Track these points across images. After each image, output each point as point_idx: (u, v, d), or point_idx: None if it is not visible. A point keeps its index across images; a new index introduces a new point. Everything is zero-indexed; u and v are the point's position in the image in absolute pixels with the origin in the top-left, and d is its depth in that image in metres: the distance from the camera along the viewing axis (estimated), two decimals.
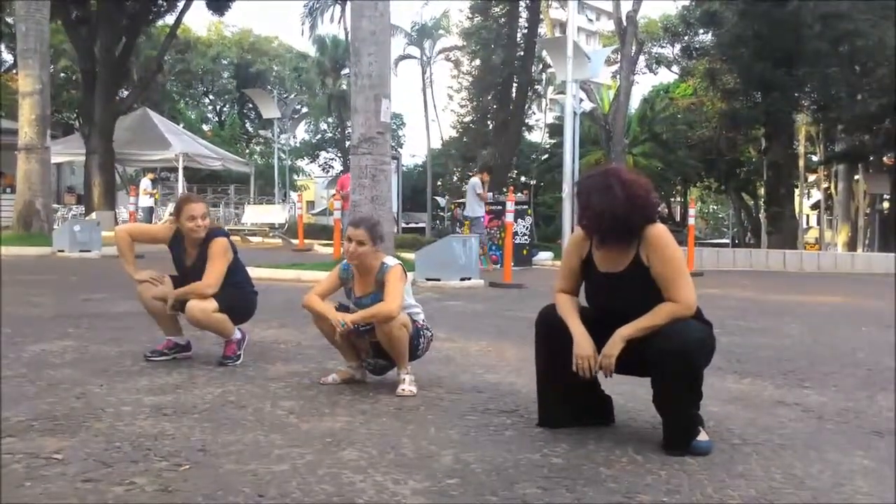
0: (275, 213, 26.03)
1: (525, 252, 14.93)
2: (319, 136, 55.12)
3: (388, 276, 4.00)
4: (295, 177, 48.95)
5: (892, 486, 2.78)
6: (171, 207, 23.39)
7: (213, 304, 4.52)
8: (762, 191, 35.77)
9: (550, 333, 3.31)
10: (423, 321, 4.23)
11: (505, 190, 16.40)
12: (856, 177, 34.02)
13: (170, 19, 28.74)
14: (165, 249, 4.81)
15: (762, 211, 35.72)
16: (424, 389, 4.06)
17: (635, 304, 3.13)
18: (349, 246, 4.04)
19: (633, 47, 26.31)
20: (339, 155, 50.51)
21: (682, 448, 3.05)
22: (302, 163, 55.62)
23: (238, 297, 4.69)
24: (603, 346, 3.15)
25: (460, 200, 19.47)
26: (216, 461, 2.84)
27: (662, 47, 39.33)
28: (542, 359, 3.39)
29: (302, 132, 52.37)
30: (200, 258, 4.63)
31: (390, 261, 4.11)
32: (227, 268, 4.60)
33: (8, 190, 23.35)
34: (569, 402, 3.33)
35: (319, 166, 57.51)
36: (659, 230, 3.19)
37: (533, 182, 37.92)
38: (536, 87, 41.69)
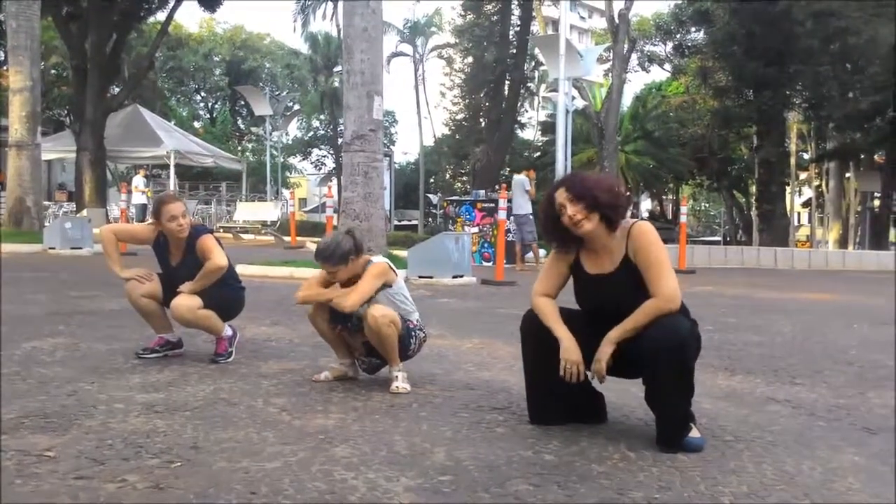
0: (267, 211, 26.01)
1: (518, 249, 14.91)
2: (311, 133, 55.08)
3: (366, 271, 4.00)
4: (287, 174, 48.88)
5: (885, 483, 2.79)
6: None
7: (197, 301, 4.50)
8: (754, 188, 35.88)
9: (536, 335, 3.31)
10: (418, 321, 4.22)
11: (497, 188, 16.39)
12: (847, 175, 34.16)
13: (161, 16, 28.64)
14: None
15: (754, 209, 35.81)
16: (417, 387, 4.06)
17: (626, 303, 3.14)
18: (332, 279, 4.05)
19: (626, 45, 26.36)
20: (332, 152, 50.44)
21: (674, 444, 3.06)
22: (294, 160, 55.55)
23: (226, 293, 4.68)
24: (594, 347, 3.16)
25: (452, 198, 19.42)
26: (208, 458, 2.84)
27: (654, 45, 39.40)
28: (529, 362, 3.39)
29: (294, 129, 52.40)
30: (186, 257, 4.62)
31: (376, 258, 4.10)
32: None
33: None
34: (559, 400, 3.34)
35: (312, 163, 57.57)
36: (644, 226, 3.24)
37: None
38: (529, 84, 41.72)
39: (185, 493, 2.49)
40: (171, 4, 26.97)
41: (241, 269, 8.40)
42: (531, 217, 13.55)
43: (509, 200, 13.64)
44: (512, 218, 13.98)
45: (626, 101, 39.72)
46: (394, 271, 4.10)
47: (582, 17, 62.47)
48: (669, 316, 3.07)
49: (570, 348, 3.17)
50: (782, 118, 30.83)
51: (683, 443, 3.07)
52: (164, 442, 3.02)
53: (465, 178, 48.37)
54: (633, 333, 3.10)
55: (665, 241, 3.37)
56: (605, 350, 3.13)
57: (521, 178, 14.25)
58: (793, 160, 36.88)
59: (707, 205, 64.78)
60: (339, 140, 35.45)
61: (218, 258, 4.51)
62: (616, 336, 3.13)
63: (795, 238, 39.74)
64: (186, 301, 4.48)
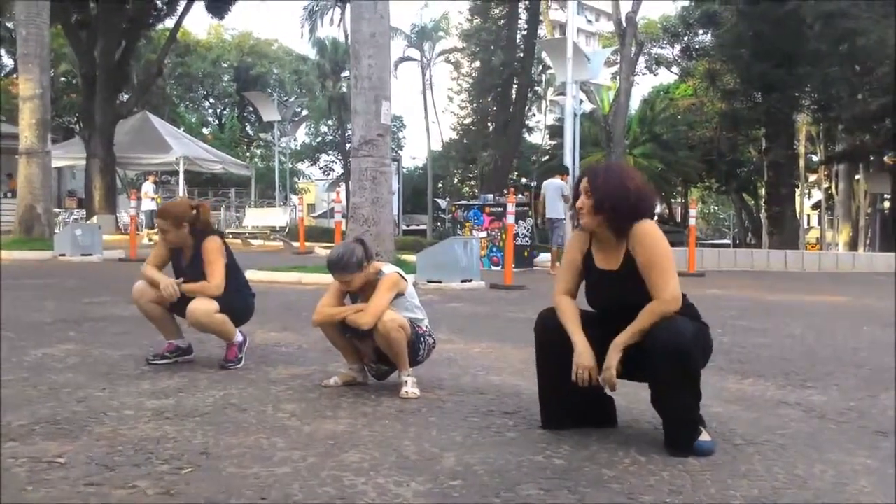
0: (276, 216, 26.08)
1: (526, 254, 14.92)
2: (320, 138, 55.19)
3: (379, 284, 4.00)
4: (295, 179, 49.00)
5: (894, 486, 2.77)
6: None
7: (214, 305, 4.51)
8: (763, 191, 35.81)
9: (550, 339, 3.30)
10: (427, 327, 4.21)
11: (505, 191, 16.40)
12: (856, 176, 34.03)
13: (169, 23, 28.81)
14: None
15: (763, 211, 35.73)
16: (426, 391, 4.05)
17: (632, 301, 3.13)
18: (346, 287, 4.05)
19: (633, 48, 26.34)
20: (340, 157, 50.57)
21: (681, 448, 3.05)
22: (302, 165, 55.71)
23: (235, 299, 4.68)
24: (602, 347, 3.15)
25: (461, 202, 19.43)
26: (218, 464, 2.84)
27: (662, 48, 39.38)
28: (542, 364, 3.38)
29: (302, 135, 52.53)
30: (194, 257, 4.64)
31: (387, 269, 4.10)
32: (225, 266, 4.59)
33: (9, 194, 23.41)
34: (571, 404, 3.33)
35: (320, 169, 57.69)
36: (647, 226, 3.19)
37: (534, 184, 37.92)
38: (536, 88, 41.74)
39: (195, 499, 2.49)
40: (179, 11, 27.12)
41: (249, 274, 8.41)
42: (564, 221, 13.61)
43: (520, 204, 13.66)
44: (547, 221, 14.10)
45: (634, 104, 39.72)
46: (404, 279, 4.10)
47: (589, 21, 62.49)
48: (671, 319, 3.06)
49: (583, 353, 3.15)
50: (791, 120, 30.77)
51: (693, 446, 3.06)
52: (174, 448, 3.03)
53: (473, 183, 48.38)
54: (637, 338, 3.09)
55: (674, 244, 3.37)
56: (613, 357, 3.11)
57: (557, 182, 14.32)
58: (802, 162, 36.79)
59: (716, 207, 64.66)
60: (348, 145, 35.56)
61: (211, 286, 4.50)
62: (622, 342, 3.11)
63: (805, 240, 39.63)
64: (203, 305, 4.49)
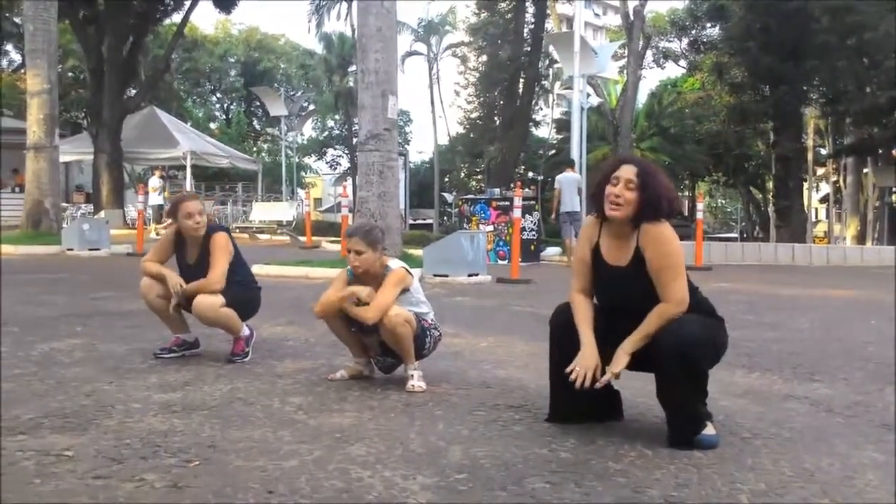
0: (282, 211, 26.07)
1: (533, 248, 14.92)
2: (326, 133, 55.16)
3: (386, 279, 4.00)
4: (302, 174, 49.01)
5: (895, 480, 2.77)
6: None
7: (220, 299, 4.52)
8: (771, 185, 35.67)
9: (565, 333, 3.29)
10: (433, 320, 4.21)
11: (512, 185, 16.38)
12: (864, 170, 33.88)
13: (177, 18, 28.80)
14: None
15: (771, 205, 35.61)
16: (432, 385, 4.06)
17: (639, 299, 3.12)
18: (350, 257, 4.04)
19: (641, 42, 26.28)
20: (347, 152, 50.54)
21: (684, 442, 3.05)
22: (309, 160, 55.72)
23: (242, 293, 4.69)
24: (611, 342, 3.14)
25: (467, 196, 19.40)
26: (225, 457, 2.85)
27: (670, 41, 39.25)
28: (555, 357, 3.38)
29: (309, 129, 52.53)
30: (202, 254, 4.64)
31: (394, 263, 4.10)
32: (229, 262, 4.60)
33: (17, 189, 23.49)
34: (579, 398, 3.31)
35: (327, 163, 57.70)
36: (661, 226, 3.17)
37: (540, 178, 37.85)
38: (543, 82, 41.60)
39: (202, 492, 2.50)
40: (186, 6, 27.12)
41: (256, 269, 8.44)
42: (582, 214, 13.64)
43: (526, 198, 13.62)
44: (562, 216, 14.11)
45: (642, 97, 39.62)
46: (410, 274, 4.10)
47: (596, 14, 62.40)
48: (678, 319, 3.05)
49: (587, 354, 3.15)
50: (799, 113, 30.62)
51: (697, 440, 3.05)
52: (181, 441, 3.04)
53: (479, 177, 48.34)
54: (645, 342, 3.09)
55: (681, 237, 3.35)
56: (621, 361, 3.11)
57: (573, 176, 14.31)
58: (810, 156, 36.66)
59: (724, 201, 64.44)
60: (354, 140, 35.53)
61: (211, 281, 4.51)
62: (630, 346, 3.11)
63: (813, 234, 39.51)
64: (209, 299, 4.50)
